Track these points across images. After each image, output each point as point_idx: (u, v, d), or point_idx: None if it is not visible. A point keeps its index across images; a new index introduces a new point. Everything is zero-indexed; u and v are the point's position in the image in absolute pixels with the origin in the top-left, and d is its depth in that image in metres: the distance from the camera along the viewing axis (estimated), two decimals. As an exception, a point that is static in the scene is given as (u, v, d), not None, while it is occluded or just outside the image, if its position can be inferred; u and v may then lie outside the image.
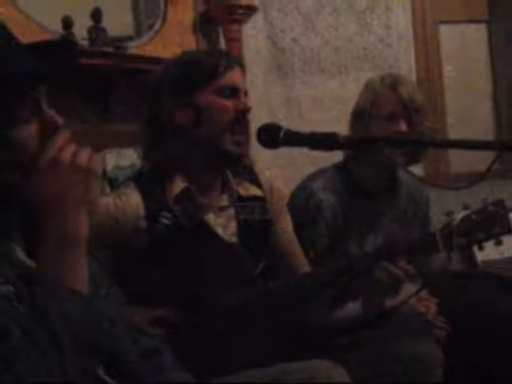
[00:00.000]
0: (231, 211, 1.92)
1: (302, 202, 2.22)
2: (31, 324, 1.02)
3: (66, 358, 1.02)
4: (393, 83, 2.23)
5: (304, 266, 2.04)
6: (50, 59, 1.14)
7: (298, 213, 2.16)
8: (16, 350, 0.99)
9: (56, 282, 1.08)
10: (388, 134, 2.18)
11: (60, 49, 1.17)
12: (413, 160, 2.25)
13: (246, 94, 1.91)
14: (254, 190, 1.98)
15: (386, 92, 2.23)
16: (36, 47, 1.16)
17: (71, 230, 1.12)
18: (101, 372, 1.16)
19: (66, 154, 1.14)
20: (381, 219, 2.32)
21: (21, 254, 1.14)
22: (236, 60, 1.95)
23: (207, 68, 1.86)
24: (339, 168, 2.34)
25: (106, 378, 1.16)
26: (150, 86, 1.94)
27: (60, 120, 1.17)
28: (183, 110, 1.85)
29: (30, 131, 1.13)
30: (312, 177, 2.35)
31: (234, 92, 1.86)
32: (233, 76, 1.87)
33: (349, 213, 2.26)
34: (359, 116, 2.27)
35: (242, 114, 1.86)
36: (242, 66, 1.94)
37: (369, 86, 2.30)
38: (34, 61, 1.12)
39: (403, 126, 2.19)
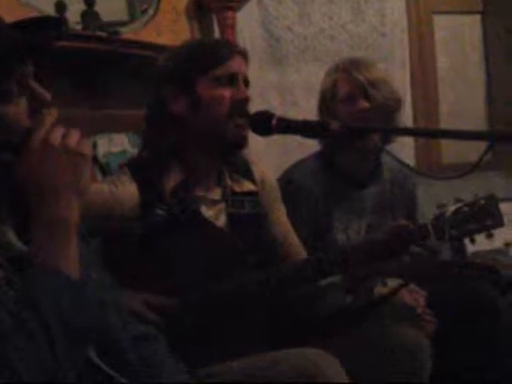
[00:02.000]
0: (222, 205, 1.92)
1: (281, 192, 2.22)
2: (21, 309, 1.02)
3: (57, 343, 1.02)
4: (345, 67, 2.29)
5: (301, 254, 2.05)
6: (35, 34, 1.13)
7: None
8: (6, 336, 0.99)
9: (47, 265, 1.07)
10: (351, 114, 2.22)
11: (46, 24, 1.16)
12: (387, 140, 2.26)
13: (246, 82, 1.90)
14: (248, 185, 1.98)
15: (340, 75, 2.29)
16: (21, 23, 1.15)
17: (62, 213, 1.12)
18: (94, 357, 1.16)
19: (56, 136, 1.14)
20: (365, 206, 2.33)
21: (12, 238, 1.14)
22: (237, 49, 1.93)
23: (207, 56, 1.86)
24: (319, 156, 2.35)
25: (99, 362, 1.17)
26: (150, 74, 1.94)
27: (48, 95, 1.16)
28: (182, 99, 1.85)
29: (18, 107, 1.13)
30: (291, 167, 2.37)
31: (232, 80, 1.85)
32: (232, 64, 1.86)
33: (331, 200, 2.27)
34: (323, 103, 2.33)
35: (241, 104, 1.84)
36: (245, 55, 1.93)
37: (327, 75, 2.36)
38: (19, 35, 1.11)
39: (363, 104, 2.23)
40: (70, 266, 1.10)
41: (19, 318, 1.01)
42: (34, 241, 1.10)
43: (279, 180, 2.28)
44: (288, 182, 2.26)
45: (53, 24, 1.17)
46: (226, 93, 1.84)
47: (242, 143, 1.87)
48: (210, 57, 1.86)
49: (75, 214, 1.13)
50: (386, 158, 2.34)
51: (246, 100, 1.85)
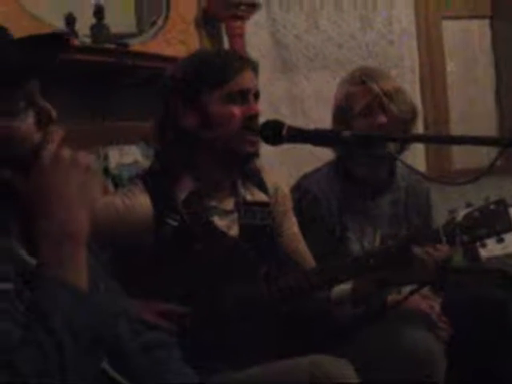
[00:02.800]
0: (235, 215, 1.92)
1: (296, 202, 2.22)
2: (30, 321, 1.03)
3: (66, 355, 1.02)
4: (363, 78, 2.24)
5: (311, 264, 2.04)
6: (40, 52, 1.15)
7: (295, 213, 2.16)
8: (16, 349, 1.00)
9: (56, 278, 1.08)
10: (369, 128, 2.19)
11: (50, 42, 1.17)
12: (402, 148, 2.26)
13: (257, 95, 1.88)
14: (260, 196, 1.97)
15: (355, 88, 2.24)
16: (26, 41, 1.16)
17: (71, 226, 1.12)
18: (106, 365, 1.17)
19: (66, 151, 1.15)
20: (379, 215, 2.32)
21: (21, 251, 1.15)
22: (248, 61, 1.91)
23: (217, 71, 1.84)
24: (333, 165, 2.34)
25: (114, 373, 1.17)
26: (160, 85, 1.93)
27: (54, 113, 1.17)
28: (191, 113, 1.85)
29: (27, 123, 1.14)
30: (305, 176, 2.36)
31: (243, 96, 1.84)
32: (243, 80, 1.85)
33: (346, 209, 2.26)
34: (338, 114, 2.29)
35: (251, 120, 1.83)
36: (255, 67, 1.91)
37: (342, 85, 2.31)
38: (26, 54, 1.13)
39: (382, 118, 2.20)
40: (80, 279, 1.10)
41: (29, 331, 1.02)
42: (42, 253, 1.11)
43: (293, 189, 2.28)
44: (304, 192, 2.25)
45: (59, 41, 1.18)
46: (237, 110, 1.83)
47: (252, 158, 1.87)
48: (220, 72, 1.84)
49: (85, 227, 1.14)
50: (400, 167, 2.33)
51: (257, 116, 1.84)
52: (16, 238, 1.15)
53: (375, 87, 2.21)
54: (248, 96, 1.85)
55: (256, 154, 1.87)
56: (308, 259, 2.06)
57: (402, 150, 2.25)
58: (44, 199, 1.12)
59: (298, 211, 2.17)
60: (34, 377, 0.99)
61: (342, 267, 1.91)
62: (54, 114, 1.17)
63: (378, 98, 2.20)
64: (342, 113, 2.27)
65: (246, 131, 1.82)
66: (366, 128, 2.19)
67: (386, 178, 2.34)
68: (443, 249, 1.88)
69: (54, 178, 1.13)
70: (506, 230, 1.88)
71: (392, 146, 2.15)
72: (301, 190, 2.27)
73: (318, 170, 2.36)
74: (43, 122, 1.16)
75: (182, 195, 1.84)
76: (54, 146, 1.14)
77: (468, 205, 1.89)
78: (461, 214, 1.87)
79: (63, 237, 1.11)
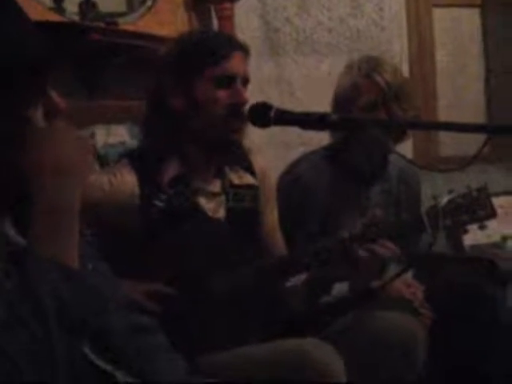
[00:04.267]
0: (222, 198, 1.92)
1: (287, 186, 2.21)
2: (18, 301, 1.02)
3: (53, 335, 1.02)
4: (369, 71, 2.21)
5: (284, 251, 2.05)
6: (60, 44, 1.14)
7: (285, 197, 2.15)
8: (2, 328, 0.99)
9: (46, 257, 1.07)
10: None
11: (71, 34, 1.16)
12: (399, 139, 2.25)
13: (246, 81, 1.87)
14: (248, 178, 1.97)
15: (362, 81, 2.21)
16: (45, 30, 1.15)
17: (66, 201, 1.11)
18: (87, 350, 1.16)
19: (60, 123, 1.14)
20: (371, 202, 2.32)
21: (10, 229, 1.14)
22: (238, 45, 1.89)
23: (206, 54, 1.83)
24: (327, 151, 2.34)
25: (93, 356, 1.17)
26: (152, 65, 1.92)
27: (63, 104, 1.16)
28: (179, 94, 1.84)
29: (38, 115, 1.13)
30: (298, 160, 2.34)
31: (231, 81, 1.83)
32: (231, 65, 1.83)
33: (337, 195, 2.26)
34: (340, 104, 2.27)
35: (237, 107, 1.82)
36: (246, 51, 1.89)
37: (346, 74, 2.28)
38: (43, 47, 1.12)
39: (383, 115, 2.18)
40: (71, 256, 1.10)
41: (15, 310, 1.01)
42: (35, 230, 1.10)
43: (284, 173, 2.28)
44: (296, 177, 2.24)
45: (76, 33, 1.17)
46: (223, 95, 1.82)
47: (236, 145, 1.86)
48: (209, 55, 1.82)
49: (77, 203, 1.13)
50: (392, 155, 2.32)
51: (243, 103, 1.83)
52: (6, 216, 1.14)
53: (382, 83, 2.18)
54: (235, 81, 1.84)
55: (240, 142, 1.86)
56: (282, 245, 2.06)
57: (399, 139, 2.24)
58: (39, 172, 1.11)
59: (289, 196, 2.17)
60: (21, 356, 0.98)
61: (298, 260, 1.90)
62: (63, 105, 1.16)
63: (383, 94, 2.18)
64: (343, 103, 2.24)
65: (231, 118, 1.81)
66: None
67: (379, 166, 2.33)
68: (388, 245, 1.87)
69: (47, 149, 1.12)
70: (488, 217, 1.89)
71: (389, 136, 2.14)
72: (292, 174, 2.27)
73: (310, 155, 2.35)
74: (52, 113, 1.15)
75: (168, 176, 1.84)
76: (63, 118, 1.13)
77: (450, 191, 1.90)
78: (444, 199, 1.88)
79: (57, 211, 1.10)
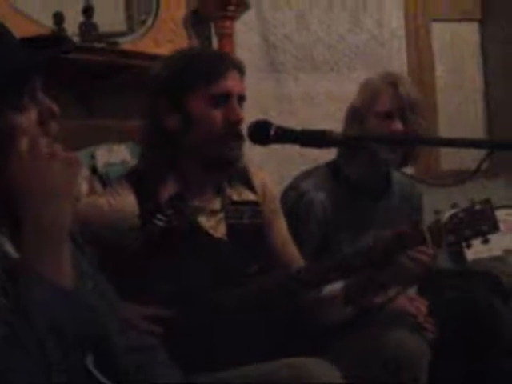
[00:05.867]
0: (222, 215, 1.91)
1: (292, 202, 2.21)
2: (15, 319, 1.02)
3: (49, 352, 1.02)
4: (393, 81, 2.25)
5: (299, 264, 2.03)
6: (43, 51, 1.16)
7: (289, 213, 2.15)
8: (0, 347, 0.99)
9: (38, 273, 1.07)
10: (383, 131, 2.20)
11: (53, 42, 1.18)
12: (405, 161, 2.26)
13: (242, 100, 1.86)
14: (248, 195, 1.96)
15: (386, 89, 2.25)
16: (30, 41, 1.17)
17: (49, 220, 1.10)
18: (90, 365, 1.16)
19: (43, 141, 1.14)
20: (374, 219, 2.32)
21: (7, 246, 1.14)
22: (233, 64, 1.88)
23: (200, 73, 1.82)
24: (331, 167, 2.34)
25: (95, 371, 1.16)
26: (146, 84, 1.92)
27: (56, 108, 1.17)
28: (174, 114, 1.84)
29: (29, 119, 1.14)
30: (302, 176, 2.35)
31: (226, 100, 1.82)
32: (227, 83, 1.82)
33: (341, 212, 2.25)
34: (355, 113, 2.29)
35: (233, 126, 1.82)
36: (241, 70, 1.88)
37: (369, 84, 2.31)
38: (29, 53, 1.13)
39: (399, 125, 2.21)
40: (60, 274, 1.09)
41: (12, 327, 1.01)
42: (24, 247, 1.10)
43: (287, 189, 2.28)
44: (301, 192, 2.25)
45: (57, 42, 1.19)
46: (218, 114, 1.81)
47: (234, 164, 1.86)
48: (204, 73, 1.81)
49: (65, 221, 1.12)
50: (395, 172, 2.33)
51: (239, 121, 1.82)
52: (3, 232, 1.14)
53: (405, 95, 2.21)
54: (231, 100, 1.83)
55: (238, 160, 1.86)
56: (296, 258, 2.05)
57: (404, 163, 2.26)
58: (24, 189, 1.11)
59: (293, 212, 2.17)
60: (18, 375, 0.98)
61: (332, 266, 1.90)
62: (56, 109, 1.17)
63: (402, 105, 2.21)
64: (359, 113, 2.27)
65: (228, 136, 1.82)
66: (379, 129, 2.19)
67: (382, 183, 2.34)
68: (428, 251, 1.88)
69: (30, 168, 1.12)
70: (492, 231, 1.88)
71: (394, 157, 2.16)
72: (297, 190, 2.26)
73: (314, 171, 2.35)
74: (45, 118, 1.16)
75: (167, 195, 1.84)
76: (30, 136, 1.14)
77: (453, 205, 1.90)
78: (446, 214, 1.87)
79: (41, 230, 1.09)
